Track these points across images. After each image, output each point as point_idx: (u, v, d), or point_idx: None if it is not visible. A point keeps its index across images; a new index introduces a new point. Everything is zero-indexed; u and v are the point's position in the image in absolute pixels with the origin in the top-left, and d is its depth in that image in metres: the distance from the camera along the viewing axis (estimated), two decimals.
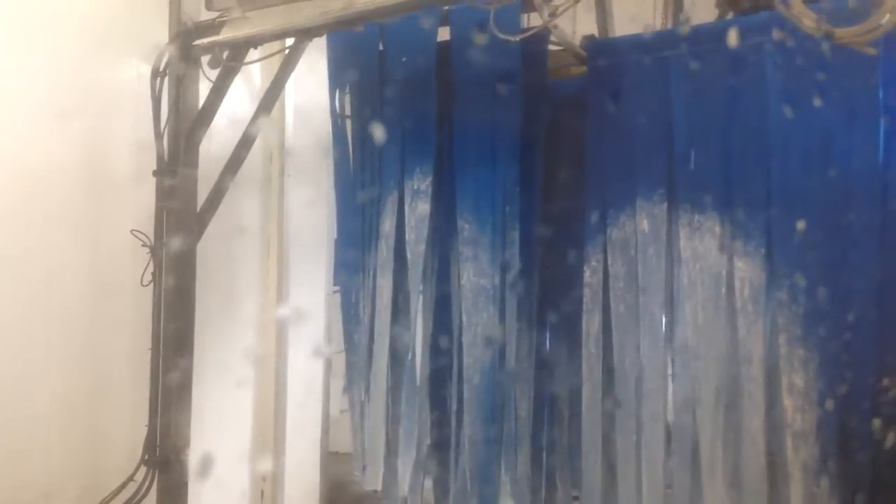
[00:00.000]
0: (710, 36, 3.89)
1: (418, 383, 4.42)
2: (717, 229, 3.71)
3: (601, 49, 4.19)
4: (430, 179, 4.35)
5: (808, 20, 2.91)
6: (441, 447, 4.40)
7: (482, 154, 4.22)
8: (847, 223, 3.36)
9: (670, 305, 3.86)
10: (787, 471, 3.41)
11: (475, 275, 4.21)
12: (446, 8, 4.24)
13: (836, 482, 3.34)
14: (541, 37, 4.06)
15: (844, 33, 2.86)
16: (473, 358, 4.20)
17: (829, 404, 3.35)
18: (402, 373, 4.47)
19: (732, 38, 3.53)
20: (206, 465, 5.27)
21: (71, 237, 5.15)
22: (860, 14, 2.88)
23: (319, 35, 4.58)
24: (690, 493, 3.73)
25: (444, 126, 4.38)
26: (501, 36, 3.84)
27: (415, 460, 4.40)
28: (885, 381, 3.27)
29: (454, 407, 4.30)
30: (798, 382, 3.40)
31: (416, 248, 4.37)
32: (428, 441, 4.43)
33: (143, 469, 5.04)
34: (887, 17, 2.84)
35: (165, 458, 5.02)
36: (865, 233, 3.34)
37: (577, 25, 5.29)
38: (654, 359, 3.85)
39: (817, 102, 3.44)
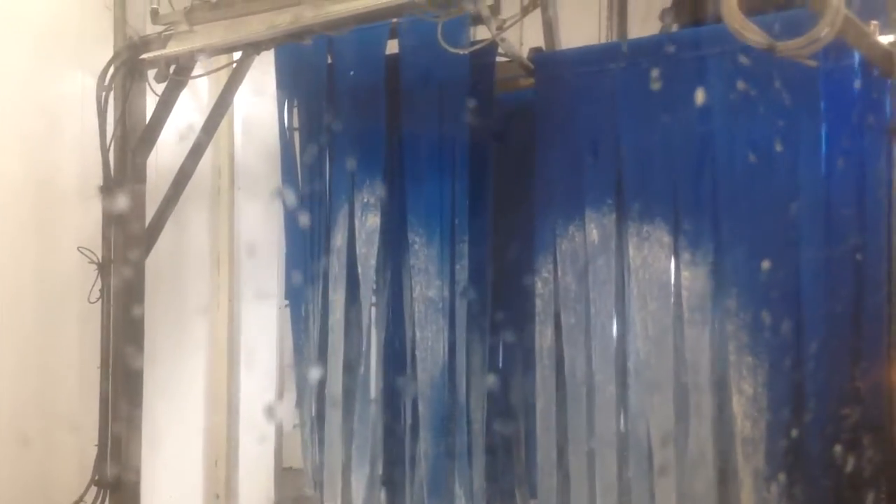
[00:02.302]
0: (654, 49, 3.94)
1: (372, 397, 4.40)
2: (666, 239, 3.75)
3: (548, 61, 4.22)
4: (379, 192, 4.35)
5: (750, 33, 2.95)
6: (395, 462, 4.39)
7: (431, 166, 4.23)
8: (793, 231, 3.41)
9: (621, 316, 3.89)
10: (738, 477, 3.44)
11: (426, 287, 4.21)
12: (394, 21, 4.25)
13: (785, 488, 3.39)
14: (489, 49, 4.09)
15: (786, 46, 2.90)
16: (425, 371, 4.19)
17: (778, 410, 3.39)
18: (356, 387, 4.45)
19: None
20: (158, 483, 5.23)
21: (16, 254, 5.06)
22: (801, 27, 2.93)
23: (267, 49, 4.57)
24: (645, 501, 3.76)
25: (394, 138, 4.38)
26: (450, 49, 3.85)
27: (369, 476, 4.38)
28: (835, 386, 3.32)
29: (408, 421, 4.30)
30: (747, 389, 3.44)
31: (367, 262, 4.36)
32: (382, 456, 4.41)
33: (93, 489, 4.96)
34: (826, 30, 2.89)
35: (116, 478, 4.95)
36: (811, 240, 3.39)
37: (524, 37, 5.33)
38: (606, 369, 3.87)
39: (761, 114, 3.49)
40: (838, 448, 3.33)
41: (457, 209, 4.17)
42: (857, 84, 3.37)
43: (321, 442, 4.59)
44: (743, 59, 3.40)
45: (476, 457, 4.18)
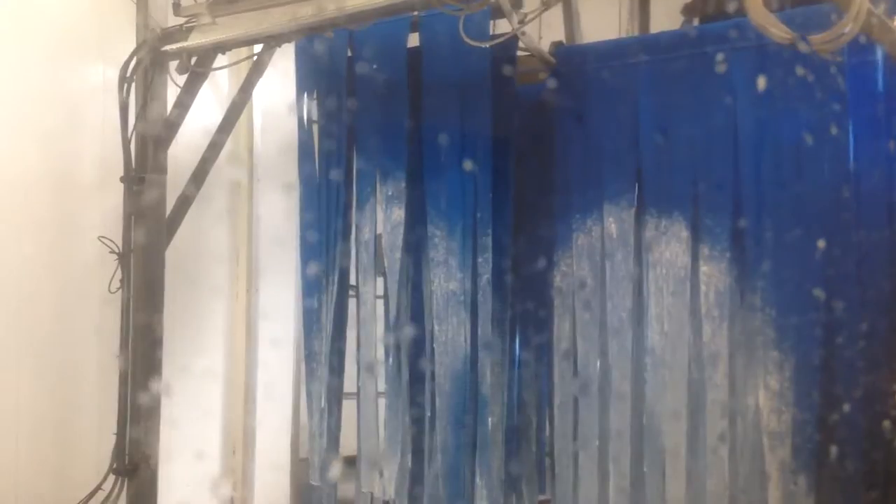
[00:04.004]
0: (676, 43, 3.94)
1: (400, 389, 4.41)
2: (684, 234, 3.76)
3: (570, 56, 4.23)
4: (403, 185, 4.36)
5: (774, 28, 2.95)
6: (416, 452, 4.40)
7: (452, 160, 4.24)
8: (818, 227, 3.41)
9: (638, 310, 3.90)
10: (764, 470, 3.45)
11: (445, 280, 4.22)
12: (415, 14, 4.25)
13: (813, 480, 3.39)
14: (510, 43, 4.09)
15: (811, 41, 2.91)
16: (446, 363, 4.21)
17: (805, 404, 3.40)
18: (376, 380, 4.47)
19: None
20: (175, 471, 5.26)
21: (38, 244, 5.09)
22: (825, 22, 2.93)
23: (289, 41, 4.58)
24: (658, 497, 3.76)
25: (415, 132, 4.39)
26: (471, 42, 3.86)
27: (399, 464, 4.39)
28: (864, 381, 3.33)
29: (427, 413, 4.31)
30: (773, 384, 3.45)
31: (393, 255, 4.37)
32: (402, 448, 4.43)
33: (111, 478, 4.99)
34: (850, 25, 2.89)
35: (134, 467, 4.97)
36: (837, 235, 3.39)
37: (544, 31, 5.33)
38: (621, 365, 3.88)
39: (785, 109, 3.49)
40: (867, 442, 3.33)
41: (479, 203, 4.18)
42: (882, 79, 3.36)
43: (328, 434, 4.60)
44: (766, 55, 3.40)
45: (495, 448, 4.19)
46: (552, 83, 4.22)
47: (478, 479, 4.15)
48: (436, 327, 4.25)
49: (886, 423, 3.30)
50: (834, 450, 3.39)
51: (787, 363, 3.46)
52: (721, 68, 3.66)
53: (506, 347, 4.25)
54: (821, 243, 3.41)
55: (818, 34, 2.92)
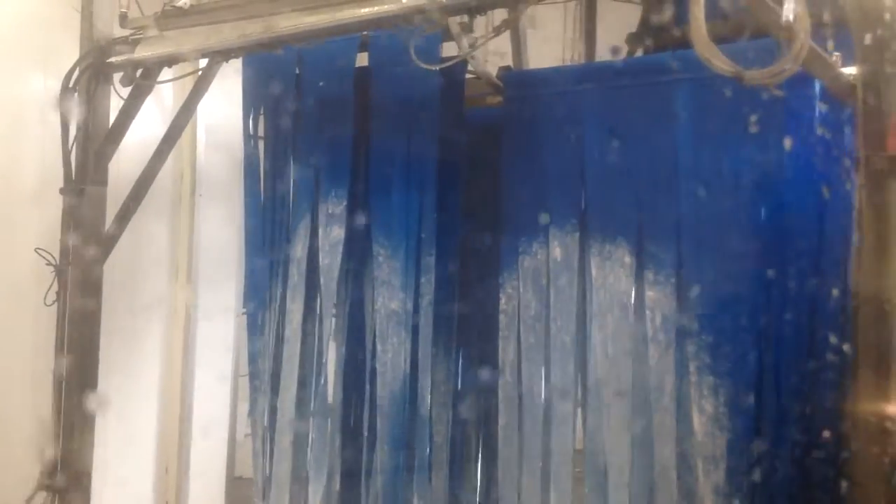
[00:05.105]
0: (620, 72, 4.02)
1: (330, 409, 4.39)
2: (627, 259, 3.82)
3: (517, 80, 4.29)
4: (344, 204, 4.36)
5: (718, 61, 3.02)
6: (352, 475, 4.38)
7: (399, 180, 4.26)
8: (754, 255, 3.49)
9: (582, 334, 3.94)
10: (698, 494, 3.50)
11: (389, 299, 4.23)
12: (364, 34, 4.27)
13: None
14: (459, 66, 4.13)
15: (753, 75, 2.98)
16: (386, 384, 4.20)
17: (739, 429, 3.47)
18: (314, 399, 4.45)
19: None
20: (108, 489, 5.16)
21: None
22: (768, 56, 3.01)
23: (237, 57, 4.57)
24: None
25: (361, 151, 4.40)
26: (421, 64, 3.88)
27: (325, 487, 4.36)
28: (797, 406, 3.40)
29: (365, 434, 4.30)
30: (707, 408, 3.51)
31: (330, 274, 4.36)
32: (339, 468, 4.40)
33: (41, 494, 4.88)
34: (792, 61, 2.97)
35: (66, 483, 4.88)
36: (772, 264, 3.47)
37: (489, 55, 5.40)
38: (564, 387, 3.92)
39: (726, 139, 3.58)
40: (799, 467, 3.40)
41: (424, 223, 4.20)
42: (820, 112, 3.46)
43: (272, 453, 4.57)
44: (709, 86, 3.48)
45: (438, 470, 4.19)
46: (499, 107, 4.27)
47: (416, 501, 4.15)
48: (378, 347, 4.24)
49: (819, 450, 3.38)
50: (767, 474, 3.46)
51: (722, 388, 3.52)
52: (663, 98, 3.74)
53: (449, 368, 4.27)
54: (758, 270, 3.49)
55: (760, 68, 3.00)
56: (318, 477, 4.39)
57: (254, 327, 4.73)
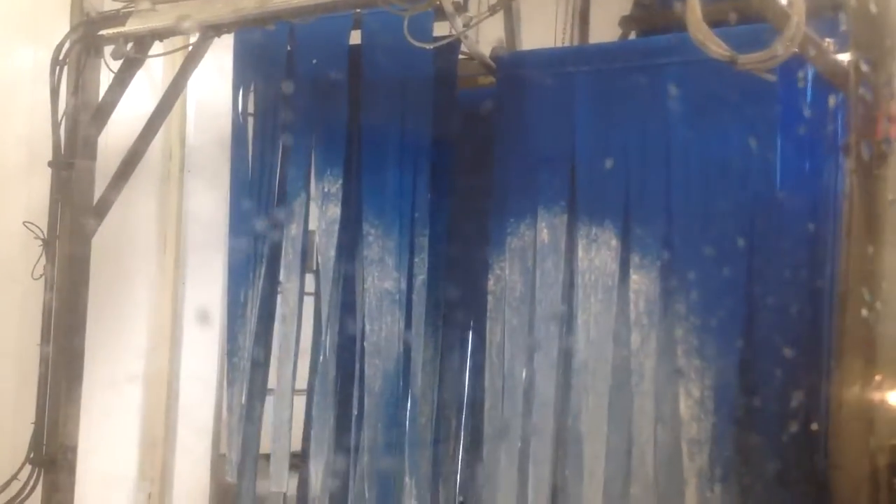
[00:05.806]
0: (613, 55, 4.02)
1: (329, 386, 4.39)
2: (614, 242, 3.81)
3: (510, 61, 4.27)
4: (340, 182, 4.35)
5: (713, 45, 3.02)
6: (342, 451, 4.39)
7: (392, 159, 4.24)
8: (743, 239, 3.50)
9: (567, 316, 3.94)
10: (682, 477, 3.52)
11: (379, 279, 4.22)
12: (358, 12, 4.26)
13: (730, 487, 3.48)
14: (452, 46, 4.12)
15: (746, 60, 2.99)
16: (376, 363, 4.20)
17: (724, 413, 3.49)
18: (314, 376, 4.45)
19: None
20: (94, 463, 5.17)
21: None
22: (761, 41, 3.02)
23: (229, 31, 4.55)
24: (578, 501, 3.81)
25: (354, 129, 4.38)
26: (415, 43, 3.87)
27: (325, 462, 4.37)
28: (782, 391, 3.42)
29: (355, 412, 4.31)
30: (694, 392, 3.52)
31: (327, 253, 4.35)
32: (332, 446, 4.41)
33: (28, 467, 4.89)
34: (785, 46, 2.98)
35: (52, 457, 4.89)
36: (761, 249, 3.49)
37: (483, 35, 5.38)
38: (546, 369, 3.92)
39: (717, 123, 3.58)
40: (784, 452, 3.42)
41: (417, 203, 4.19)
42: (812, 99, 3.47)
43: (251, 430, 4.57)
44: (702, 70, 3.48)
45: (424, 448, 4.20)
46: (492, 88, 4.26)
47: (406, 479, 4.16)
48: (367, 326, 4.24)
49: (804, 436, 3.40)
50: (751, 459, 3.48)
51: (709, 372, 3.53)
52: (656, 81, 3.74)
53: (438, 347, 4.28)
54: (746, 255, 3.51)
55: (754, 52, 3.00)
56: (319, 454, 4.37)
57: (235, 304, 4.70)
